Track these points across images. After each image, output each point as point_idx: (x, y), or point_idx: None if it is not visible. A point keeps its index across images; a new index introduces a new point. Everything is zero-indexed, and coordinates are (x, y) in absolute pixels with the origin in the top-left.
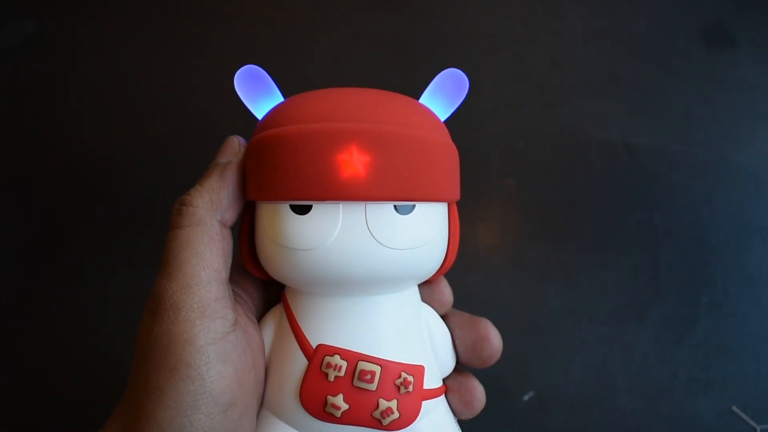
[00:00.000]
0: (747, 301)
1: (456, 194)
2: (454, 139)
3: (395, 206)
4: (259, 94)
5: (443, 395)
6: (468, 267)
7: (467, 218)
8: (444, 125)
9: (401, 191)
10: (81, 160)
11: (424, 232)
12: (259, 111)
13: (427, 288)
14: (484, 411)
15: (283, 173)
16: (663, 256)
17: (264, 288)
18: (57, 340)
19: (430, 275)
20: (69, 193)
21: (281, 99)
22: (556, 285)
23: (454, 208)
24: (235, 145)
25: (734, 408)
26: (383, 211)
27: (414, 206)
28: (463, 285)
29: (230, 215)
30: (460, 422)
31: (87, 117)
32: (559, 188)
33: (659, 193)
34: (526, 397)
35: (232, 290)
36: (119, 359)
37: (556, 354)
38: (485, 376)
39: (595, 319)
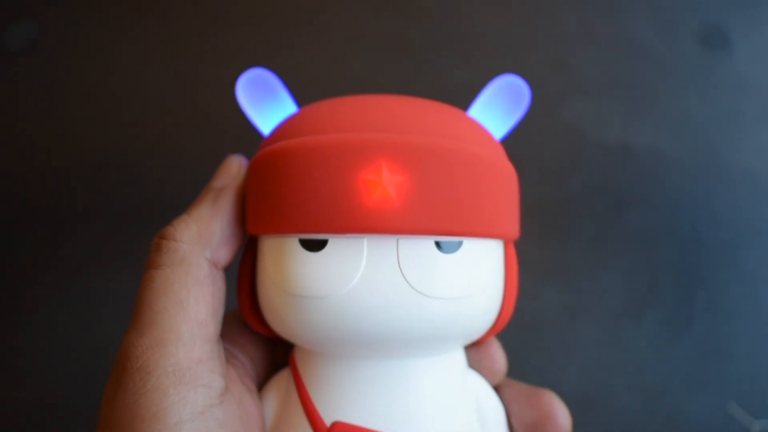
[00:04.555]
0: (744, 301)
1: (515, 230)
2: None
3: (437, 243)
4: (265, 104)
5: None
6: None
7: None
8: (500, 144)
9: (445, 223)
10: (82, 161)
11: (473, 277)
12: (266, 124)
13: (474, 351)
14: None
15: (290, 198)
16: (661, 256)
17: (268, 348)
18: (56, 340)
19: (480, 335)
20: (70, 193)
21: (293, 109)
22: (555, 284)
23: (512, 248)
24: (233, 167)
25: (731, 406)
26: (421, 249)
27: (461, 243)
28: None
29: (224, 253)
30: None
31: (88, 118)
32: (558, 189)
33: (658, 193)
34: None
35: (226, 350)
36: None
37: (554, 353)
38: None
39: (593, 318)
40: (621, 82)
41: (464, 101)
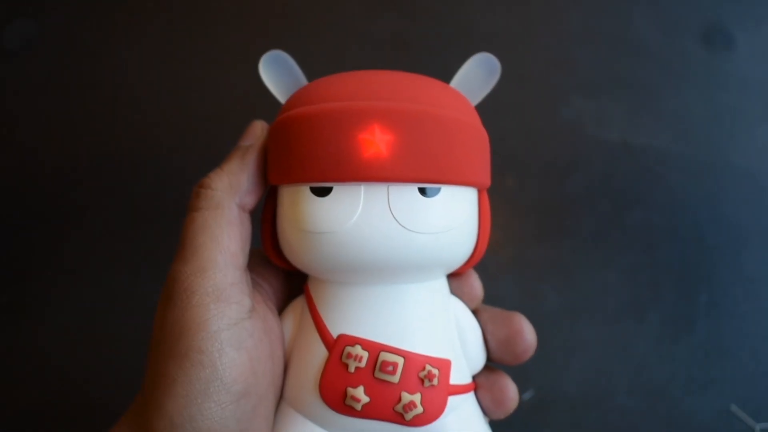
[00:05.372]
0: (746, 301)
1: (486, 180)
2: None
3: (420, 188)
4: (283, 79)
5: (473, 393)
6: None
7: None
8: (474, 110)
9: (426, 172)
10: (81, 160)
11: (450, 217)
12: (283, 96)
13: (456, 281)
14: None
15: (302, 154)
16: (662, 256)
17: (287, 280)
18: (56, 339)
19: (458, 266)
20: (68, 192)
21: (305, 83)
22: (556, 285)
23: (485, 195)
24: (257, 129)
25: (733, 407)
26: (407, 194)
27: (440, 189)
28: None
29: (250, 199)
30: (492, 423)
31: (86, 117)
32: (559, 188)
33: (659, 193)
34: (525, 397)
35: (253, 280)
36: (119, 359)
37: (556, 353)
38: None
39: (594, 318)
40: (622, 80)
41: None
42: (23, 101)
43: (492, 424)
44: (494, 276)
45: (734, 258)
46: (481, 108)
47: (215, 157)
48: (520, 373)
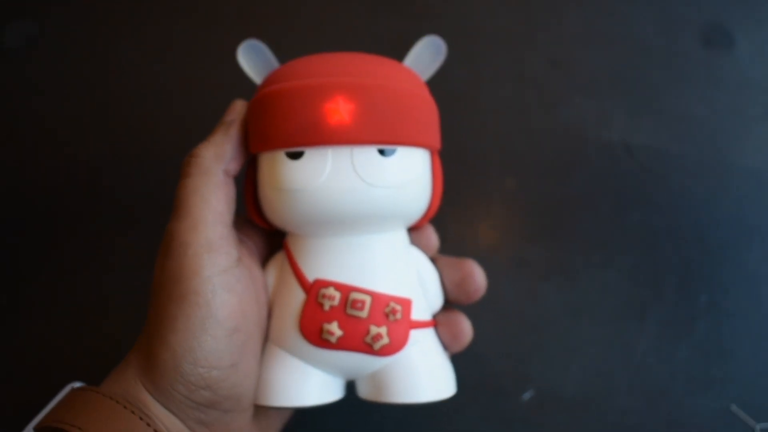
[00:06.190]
0: (746, 301)
1: (436, 143)
2: (454, 138)
3: (379, 150)
4: (258, 64)
5: (433, 329)
6: None
7: (467, 218)
8: (424, 84)
9: (384, 135)
10: (81, 159)
11: (406, 173)
12: (259, 78)
13: (415, 234)
14: (482, 410)
15: (278, 124)
16: (662, 256)
17: (267, 239)
18: (56, 339)
19: (416, 218)
20: (68, 192)
21: (277, 65)
22: (556, 285)
23: (437, 158)
24: (238, 106)
25: (733, 407)
26: (368, 154)
27: (396, 150)
28: None
29: (233, 166)
30: (492, 423)
31: (87, 116)
32: (559, 188)
33: (659, 193)
34: (525, 397)
35: (239, 239)
36: (119, 359)
37: (556, 353)
38: (484, 374)
39: (594, 318)
40: (623, 81)
41: (466, 99)
42: (23, 101)
43: (492, 423)
44: (494, 276)
45: (734, 258)
46: (481, 108)
47: None
48: (521, 373)
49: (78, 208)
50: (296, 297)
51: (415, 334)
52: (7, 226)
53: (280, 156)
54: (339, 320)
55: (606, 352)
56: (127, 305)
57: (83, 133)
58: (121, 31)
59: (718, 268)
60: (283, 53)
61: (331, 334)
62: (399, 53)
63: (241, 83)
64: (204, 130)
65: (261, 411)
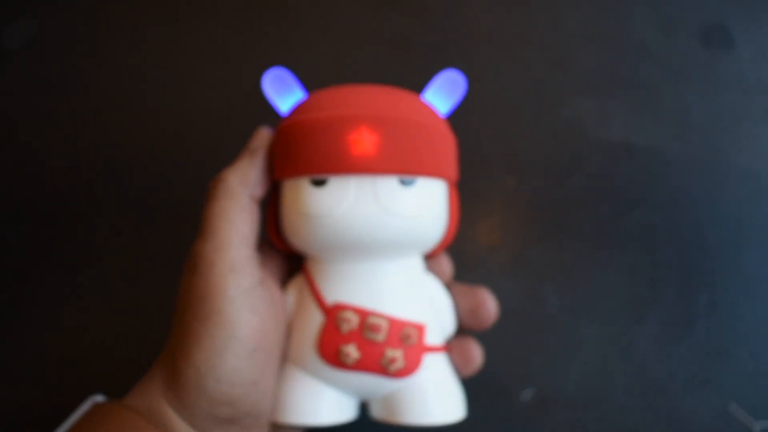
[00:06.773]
0: (746, 301)
1: (453, 175)
2: (455, 137)
3: (400, 180)
4: (283, 92)
5: (445, 354)
6: (468, 267)
7: (467, 218)
8: (442, 119)
9: (405, 166)
10: (82, 160)
11: (424, 203)
12: (284, 106)
13: (430, 261)
14: (483, 410)
15: (304, 152)
16: (662, 256)
17: (287, 261)
18: (56, 339)
19: (432, 246)
20: (68, 192)
21: (303, 94)
22: (556, 285)
23: (454, 190)
24: (263, 135)
25: (732, 406)
26: (389, 184)
27: (415, 180)
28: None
29: (258, 191)
30: (491, 423)
31: (87, 116)
32: (559, 188)
33: (659, 193)
34: (525, 397)
35: (261, 260)
36: (120, 359)
37: (556, 353)
38: (484, 374)
39: (594, 318)
40: (623, 81)
41: (466, 99)
42: (23, 101)
43: (492, 423)
44: (494, 276)
45: (734, 258)
46: (481, 108)
47: (216, 157)
48: (521, 373)
49: (78, 208)
50: (315, 319)
51: (428, 358)
52: (8, 225)
53: (305, 183)
54: (357, 343)
55: (606, 352)
56: (127, 305)
57: (83, 133)
58: (121, 31)
59: (717, 268)
60: (284, 53)
61: (348, 355)
62: (399, 53)
63: (241, 83)
64: (204, 130)
65: (278, 428)
